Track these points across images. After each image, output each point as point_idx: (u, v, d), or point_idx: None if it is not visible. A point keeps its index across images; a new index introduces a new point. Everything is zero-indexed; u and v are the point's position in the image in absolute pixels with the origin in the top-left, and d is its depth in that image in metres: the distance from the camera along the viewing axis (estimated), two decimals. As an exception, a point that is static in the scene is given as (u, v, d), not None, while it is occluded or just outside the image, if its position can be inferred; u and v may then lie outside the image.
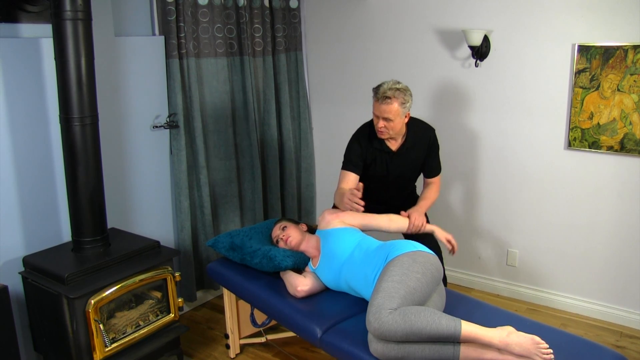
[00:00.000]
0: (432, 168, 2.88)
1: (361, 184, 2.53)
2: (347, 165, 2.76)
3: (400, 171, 2.81)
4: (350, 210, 2.51)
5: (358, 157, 2.75)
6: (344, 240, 2.47)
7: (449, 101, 3.51)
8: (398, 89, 2.58)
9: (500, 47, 3.25)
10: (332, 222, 2.56)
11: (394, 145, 2.76)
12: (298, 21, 3.88)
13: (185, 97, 3.23)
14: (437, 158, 2.89)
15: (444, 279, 2.80)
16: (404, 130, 2.73)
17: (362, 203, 2.47)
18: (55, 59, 2.30)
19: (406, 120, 2.68)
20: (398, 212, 2.77)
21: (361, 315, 2.24)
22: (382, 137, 2.69)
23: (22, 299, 2.51)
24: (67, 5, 2.22)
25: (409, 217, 2.64)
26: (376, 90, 2.63)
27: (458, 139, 3.50)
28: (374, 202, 2.86)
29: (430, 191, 2.86)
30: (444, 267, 2.76)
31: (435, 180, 2.89)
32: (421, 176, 2.96)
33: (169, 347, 2.69)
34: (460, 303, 2.40)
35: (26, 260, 2.46)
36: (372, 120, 2.75)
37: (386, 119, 2.60)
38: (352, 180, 2.72)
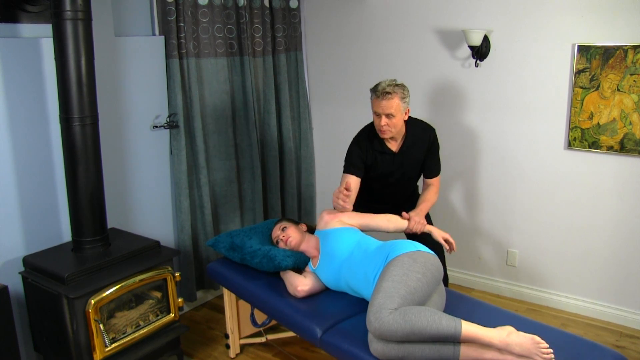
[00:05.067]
0: (431, 168, 2.87)
1: (350, 184, 2.57)
2: (348, 168, 2.75)
3: (402, 171, 2.81)
4: (340, 209, 2.55)
5: (359, 160, 2.74)
6: (343, 240, 2.47)
7: (449, 101, 3.51)
8: (397, 85, 2.61)
9: (500, 47, 3.25)
10: (331, 222, 2.56)
11: (394, 146, 2.76)
12: (298, 21, 3.88)
13: (185, 97, 3.23)
14: (437, 158, 2.88)
15: (446, 280, 2.81)
16: (403, 129, 2.73)
17: (349, 205, 2.54)
18: (55, 59, 2.30)
19: (406, 117, 2.69)
20: (400, 212, 2.77)
21: (361, 315, 2.24)
22: (384, 136, 2.68)
23: (22, 299, 2.51)
24: (67, 5, 2.22)
25: (409, 219, 2.64)
26: (374, 88, 2.64)
27: (458, 139, 3.50)
28: (377, 202, 2.87)
29: (429, 193, 2.85)
30: (445, 268, 2.77)
31: (434, 181, 2.88)
32: (421, 178, 2.96)
33: (169, 347, 2.69)
34: (461, 303, 2.40)
35: (26, 260, 2.46)
36: (371, 123, 2.75)
37: (388, 115, 2.60)
38: (353, 183, 2.71)
